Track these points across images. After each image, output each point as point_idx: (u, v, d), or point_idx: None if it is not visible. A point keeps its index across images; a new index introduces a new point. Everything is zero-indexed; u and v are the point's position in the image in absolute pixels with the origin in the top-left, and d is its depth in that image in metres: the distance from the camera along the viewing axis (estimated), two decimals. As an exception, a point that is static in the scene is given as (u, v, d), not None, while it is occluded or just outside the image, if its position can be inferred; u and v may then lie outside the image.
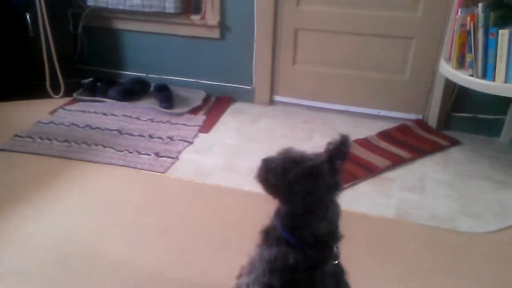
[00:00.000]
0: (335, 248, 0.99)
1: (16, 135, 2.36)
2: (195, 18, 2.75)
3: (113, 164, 2.14)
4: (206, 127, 2.54)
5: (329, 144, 0.96)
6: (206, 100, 2.86)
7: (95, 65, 3.12)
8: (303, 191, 0.92)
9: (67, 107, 2.73)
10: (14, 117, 2.60)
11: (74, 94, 2.85)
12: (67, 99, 2.84)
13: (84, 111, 2.68)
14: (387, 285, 1.47)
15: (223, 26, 2.76)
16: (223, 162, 2.20)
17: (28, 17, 2.66)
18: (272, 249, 0.98)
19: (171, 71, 3.00)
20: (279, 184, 0.95)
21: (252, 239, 1.08)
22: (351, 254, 1.61)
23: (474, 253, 1.63)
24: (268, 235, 1.01)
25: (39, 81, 2.79)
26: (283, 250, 0.96)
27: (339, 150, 0.95)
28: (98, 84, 2.85)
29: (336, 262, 0.98)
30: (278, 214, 1.01)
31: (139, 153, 2.23)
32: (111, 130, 2.45)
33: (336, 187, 0.95)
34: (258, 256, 1.01)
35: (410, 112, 2.64)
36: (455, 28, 2.07)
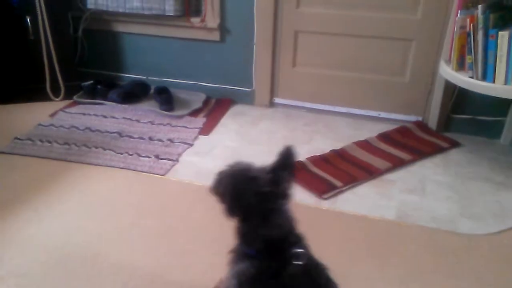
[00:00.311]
0: (293, 251, 1.02)
1: (16, 138, 2.36)
2: (195, 20, 2.76)
3: (113, 167, 2.14)
4: (206, 130, 2.54)
5: (276, 155, 1.02)
6: (206, 102, 2.86)
7: (95, 68, 3.12)
8: (238, 199, 1.00)
9: (67, 110, 2.73)
10: (14, 119, 2.60)
11: (74, 97, 2.86)
12: (67, 101, 2.84)
13: (84, 114, 2.68)
14: (387, 287, 1.47)
15: (223, 28, 2.76)
16: (223, 164, 2.19)
17: (28, 20, 2.67)
18: (237, 265, 1.05)
19: (171, 74, 3.00)
20: (225, 194, 1.04)
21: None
22: (351, 256, 1.61)
23: (474, 255, 1.63)
24: (234, 253, 1.09)
25: (39, 83, 2.80)
26: (246, 263, 1.03)
27: (284, 162, 1.02)
28: (98, 86, 2.86)
29: (301, 263, 1.02)
30: (236, 230, 1.07)
31: (139, 155, 2.23)
32: (111, 133, 2.45)
33: (278, 196, 1.00)
34: (229, 274, 1.08)
35: (410, 114, 2.64)
36: (455, 30, 2.08)
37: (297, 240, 1.06)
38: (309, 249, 1.09)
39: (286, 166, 1.02)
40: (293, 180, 1.03)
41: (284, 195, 1.02)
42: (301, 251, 1.03)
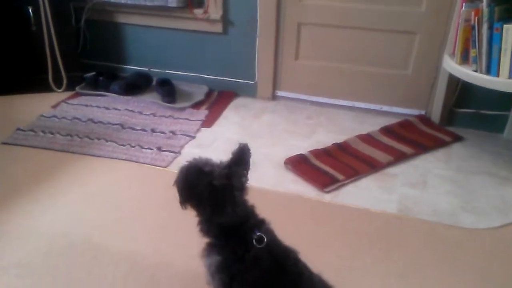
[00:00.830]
0: (253, 235, 1.08)
1: (19, 129, 2.36)
2: (198, 12, 2.74)
3: (116, 158, 2.14)
4: (208, 122, 2.54)
5: (231, 153, 1.10)
6: (208, 94, 2.85)
7: (98, 59, 3.11)
8: (190, 191, 1.09)
9: (69, 101, 2.73)
10: (17, 110, 2.60)
11: (77, 88, 2.86)
12: (70, 93, 2.84)
13: (86, 105, 2.68)
14: (388, 280, 1.48)
15: (226, 20, 2.75)
16: (225, 157, 2.19)
17: (30, 10, 2.65)
18: (207, 259, 1.13)
19: (174, 65, 2.99)
20: (179, 186, 1.11)
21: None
22: (353, 249, 1.62)
23: (476, 249, 1.63)
24: (204, 249, 1.16)
25: (41, 74, 2.80)
26: (213, 253, 1.12)
27: (239, 158, 1.09)
28: (101, 78, 2.85)
29: (261, 245, 1.08)
30: (197, 223, 1.15)
31: (142, 147, 2.23)
32: (114, 124, 2.45)
33: (232, 189, 1.06)
34: (204, 267, 1.16)
35: (413, 108, 2.63)
36: (459, 23, 2.06)
37: (257, 225, 1.12)
38: (273, 233, 1.14)
39: (241, 162, 1.09)
40: (248, 174, 1.10)
41: (238, 188, 1.07)
42: (259, 234, 1.09)
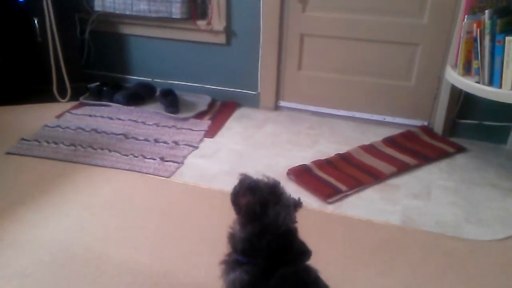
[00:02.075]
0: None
1: (23, 139, 2.37)
2: (201, 23, 2.77)
3: (119, 168, 2.15)
4: (211, 132, 2.55)
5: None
6: (211, 105, 2.86)
7: (102, 70, 3.14)
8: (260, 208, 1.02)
9: (73, 111, 2.74)
10: (21, 120, 2.62)
11: (81, 98, 2.87)
12: (74, 103, 2.86)
13: (90, 115, 2.69)
14: (392, 292, 1.47)
15: (229, 31, 2.77)
16: (228, 167, 2.20)
17: (36, 22, 2.69)
18: (229, 275, 1.09)
19: (177, 76, 3.01)
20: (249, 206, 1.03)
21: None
22: (355, 260, 1.61)
23: (480, 261, 1.62)
24: (226, 264, 1.11)
25: (46, 85, 2.82)
26: (238, 271, 1.07)
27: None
28: (105, 88, 2.87)
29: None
30: (231, 238, 1.10)
31: (145, 157, 2.24)
32: (117, 134, 2.46)
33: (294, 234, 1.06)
34: (223, 284, 1.11)
35: (415, 119, 2.63)
36: (462, 34, 2.07)
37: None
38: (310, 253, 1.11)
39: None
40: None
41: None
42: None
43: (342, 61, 2.66)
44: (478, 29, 1.96)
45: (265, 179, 1.06)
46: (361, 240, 1.71)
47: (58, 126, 2.53)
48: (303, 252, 1.08)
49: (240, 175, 1.08)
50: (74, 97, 2.87)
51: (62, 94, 2.86)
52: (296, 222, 1.07)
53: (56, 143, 2.35)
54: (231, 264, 1.10)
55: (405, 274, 1.54)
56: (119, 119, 2.65)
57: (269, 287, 1.04)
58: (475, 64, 2.03)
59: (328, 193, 1.97)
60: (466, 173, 2.19)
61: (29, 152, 2.26)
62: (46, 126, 2.54)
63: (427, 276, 1.54)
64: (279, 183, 1.06)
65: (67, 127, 2.52)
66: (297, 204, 1.08)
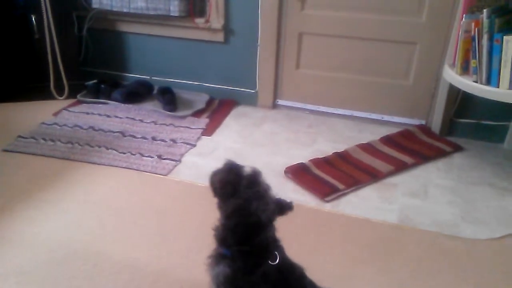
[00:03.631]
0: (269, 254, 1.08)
1: (20, 136, 2.37)
2: (200, 21, 2.76)
3: (116, 166, 2.14)
4: (209, 130, 2.54)
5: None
6: (209, 103, 2.86)
7: (99, 67, 3.13)
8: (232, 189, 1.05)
9: (70, 109, 2.74)
10: (18, 118, 2.61)
11: (78, 96, 2.87)
12: (71, 100, 2.85)
13: (87, 113, 2.69)
14: (389, 290, 1.47)
15: (227, 29, 2.76)
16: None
17: (33, 19, 2.68)
18: (213, 269, 1.11)
19: (175, 74, 3.00)
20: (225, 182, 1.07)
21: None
22: (353, 259, 1.61)
23: (477, 260, 1.62)
24: (212, 258, 1.14)
25: (43, 82, 2.81)
26: (222, 265, 1.09)
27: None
28: (102, 86, 2.86)
29: (274, 263, 1.07)
30: (216, 230, 1.13)
31: (142, 155, 2.24)
32: (114, 132, 2.45)
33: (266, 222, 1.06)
34: (209, 278, 1.14)
35: (413, 118, 2.63)
36: (460, 33, 2.07)
37: (272, 243, 1.11)
38: (282, 250, 1.14)
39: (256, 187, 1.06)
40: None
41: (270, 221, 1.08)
42: (276, 253, 1.08)
43: (340, 60, 2.66)
44: (476, 28, 1.96)
45: (249, 168, 1.08)
46: (358, 238, 1.71)
47: (55, 123, 2.53)
48: (271, 246, 1.10)
49: (226, 160, 1.10)
50: (72, 95, 2.86)
51: (60, 91, 2.85)
52: (273, 219, 1.07)
53: (53, 141, 2.34)
54: (216, 258, 1.12)
55: (402, 272, 1.55)
56: (117, 116, 2.65)
57: (251, 282, 1.06)
58: (473, 63, 2.03)
59: (325, 191, 1.97)
60: (463, 172, 2.19)
61: (26, 150, 2.25)
62: (43, 123, 2.53)
63: (424, 274, 1.54)
64: (260, 173, 1.07)
65: (64, 125, 2.51)
66: (284, 206, 1.09)
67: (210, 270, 1.13)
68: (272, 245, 1.10)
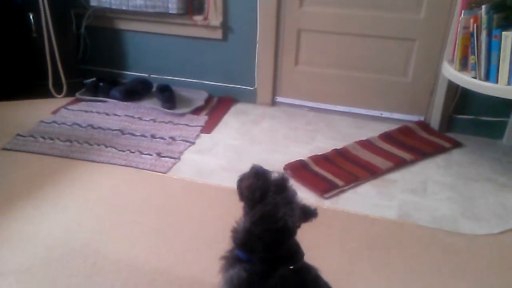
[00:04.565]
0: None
1: (18, 135, 2.36)
2: (198, 18, 2.76)
3: (115, 164, 2.14)
4: (208, 128, 2.54)
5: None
6: (208, 100, 2.86)
7: (98, 65, 3.12)
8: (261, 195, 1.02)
9: (69, 107, 2.73)
10: (17, 116, 2.61)
11: (77, 94, 2.86)
12: (70, 98, 2.84)
13: (86, 111, 2.68)
14: (388, 286, 1.47)
15: (225, 27, 2.76)
16: (225, 162, 2.20)
17: (31, 17, 2.67)
18: (228, 271, 1.08)
19: (174, 72, 3.00)
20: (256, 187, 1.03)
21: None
22: (352, 255, 1.61)
23: (476, 255, 1.63)
24: (226, 260, 1.11)
25: (41, 80, 2.80)
26: (237, 268, 1.07)
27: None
28: (101, 84, 2.86)
29: (292, 267, 1.06)
30: (234, 232, 1.10)
31: (141, 153, 2.23)
32: (113, 130, 2.45)
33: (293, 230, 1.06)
34: (221, 281, 1.11)
35: (412, 114, 2.63)
36: (458, 30, 2.07)
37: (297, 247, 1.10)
38: (302, 253, 1.12)
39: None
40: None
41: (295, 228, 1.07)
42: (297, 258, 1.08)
43: (339, 57, 2.65)
44: (475, 24, 1.96)
45: (276, 173, 1.06)
46: (357, 235, 1.72)
47: (54, 121, 2.52)
48: (296, 252, 1.09)
49: (253, 164, 1.08)
50: (70, 93, 2.86)
51: (58, 89, 2.85)
52: (298, 226, 1.06)
53: (52, 139, 2.34)
54: (230, 260, 1.10)
55: (401, 268, 1.55)
56: (116, 114, 2.64)
57: (268, 287, 1.04)
58: (471, 59, 2.03)
59: (324, 188, 1.97)
60: (462, 168, 2.19)
61: (24, 148, 2.25)
62: (42, 121, 2.52)
63: (424, 270, 1.54)
64: (288, 179, 1.06)
65: (63, 123, 2.51)
66: (309, 213, 1.08)
67: (223, 272, 1.11)
68: (295, 251, 1.10)
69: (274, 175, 1.05)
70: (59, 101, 2.81)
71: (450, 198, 1.96)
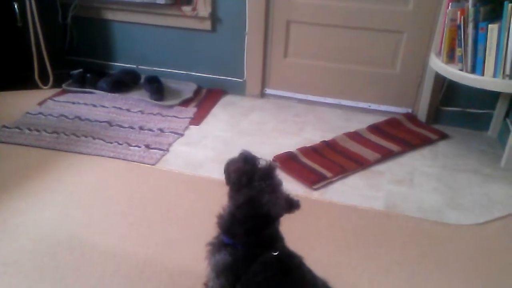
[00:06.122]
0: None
1: (4, 126, 2.33)
2: (186, 9, 2.73)
3: (103, 156, 2.13)
4: (197, 120, 2.53)
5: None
6: (197, 92, 2.85)
7: (85, 56, 3.08)
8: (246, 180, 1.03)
9: (56, 98, 2.70)
10: (2, 108, 2.57)
11: (63, 85, 2.83)
12: (56, 90, 2.81)
13: (73, 102, 2.65)
14: (375, 276, 1.49)
15: (214, 18, 2.74)
16: (214, 154, 2.20)
17: (16, 6, 2.62)
18: (215, 256, 1.10)
19: (162, 63, 2.98)
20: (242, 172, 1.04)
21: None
22: (340, 245, 1.63)
23: (461, 245, 1.65)
24: (212, 245, 1.13)
25: (27, 71, 2.76)
26: (223, 253, 1.09)
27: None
28: (88, 75, 2.82)
29: (275, 253, 1.08)
30: (220, 218, 1.12)
31: (129, 145, 2.22)
32: (101, 122, 2.43)
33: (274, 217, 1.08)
34: (208, 266, 1.13)
35: (400, 106, 2.65)
36: (446, 22, 2.09)
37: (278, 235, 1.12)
38: (284, 240, 1.15)
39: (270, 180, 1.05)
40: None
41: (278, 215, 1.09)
42: (278, 245, 1.10)
43: (328, 49, 2.66)
44: (462, 17, 1.98)
45: (264, 161, 1.07)
46: (345, 225, 1.73)
47: (40, 113, 2.49)
48: (276, 239, 1.11)
49: (242, 150, 1.09)
50: (57, 84, 2.82)
51: (44, 80, 2.81)
52: (281, 215, 1.08)
53: (38, 131, 2.31)
54: (217, 245, 1.11)
55: (388, 258, 1.57)
56: (103, 106, 2.62)
57: (250, 272, 1.06)
58: (458, 51, 2.05)
59: (313, 179, 1.98)
60: (448, 160, 2.22)
61: (10, 140, 2.22)
62: (28, 113, 2.49)
63: (410, 259, 1.57)
64: (276, 168, 1.07)
65: (50, 114, 2.48)
66: (293, 204, 1.09)
67: (209, 257, 1.12)
68: (276, 238, 1.11)
69: (262, 162, 1.06)
70: (45, 92, 2.78)
71: (436, 189, 1.99)
